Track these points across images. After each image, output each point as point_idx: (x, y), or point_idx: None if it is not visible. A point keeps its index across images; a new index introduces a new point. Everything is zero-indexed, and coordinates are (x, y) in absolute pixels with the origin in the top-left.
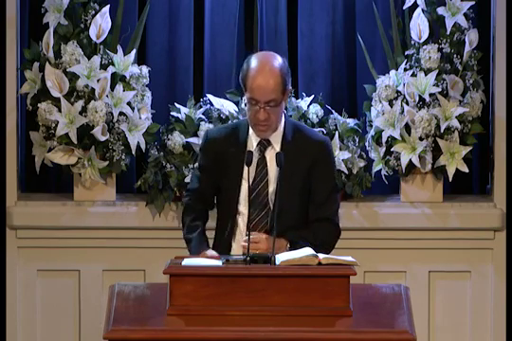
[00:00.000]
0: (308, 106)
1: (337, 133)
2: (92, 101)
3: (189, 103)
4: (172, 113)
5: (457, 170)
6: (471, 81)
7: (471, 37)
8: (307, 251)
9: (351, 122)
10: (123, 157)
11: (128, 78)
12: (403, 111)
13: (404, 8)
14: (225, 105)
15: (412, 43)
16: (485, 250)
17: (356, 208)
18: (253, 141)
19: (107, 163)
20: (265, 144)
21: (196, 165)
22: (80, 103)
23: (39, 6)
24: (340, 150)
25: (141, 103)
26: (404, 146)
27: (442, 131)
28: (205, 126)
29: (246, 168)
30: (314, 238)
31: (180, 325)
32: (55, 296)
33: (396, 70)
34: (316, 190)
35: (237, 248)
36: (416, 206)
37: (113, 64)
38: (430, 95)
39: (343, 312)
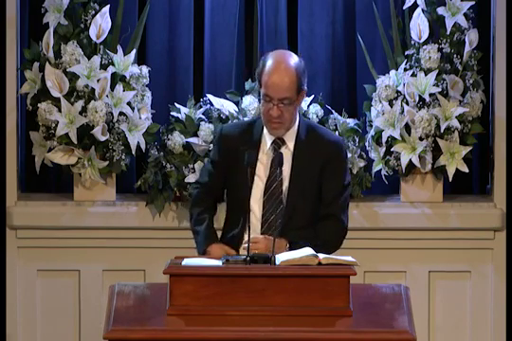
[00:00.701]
0: (308, 106)
1: (337, 133)
2: (92, 101)
3: (189, 103)
4: (172, 113)
5: (457, 170)
6: (471, 81)
7: (471, 37)
8: (307, 251)
9: (351, 122)
10: (123, 157)
11: (128, 78)
12: (403, 111)
13: (404, 8)
14: (225, 105)
15: (412, 43)
16: (485, 250)
17: (356, 208)
18: (267, 140)
19: (107, 163)
20: (279, 143)
21: (208, 159)
22: (80, 103)
23: (39, 6)
24: None
25: (141, 103)
26: (404, 146)
27: (442, 131)
28: (205, 126)
29: (259, 166)
30: (316, 237)
31: (180, 325)
32: (55, 296)
33: (396, 70)
34: (325, 189)
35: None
36: (416, 206)
37: (113, 64)
38: (430, 95)
39: (343, 312)
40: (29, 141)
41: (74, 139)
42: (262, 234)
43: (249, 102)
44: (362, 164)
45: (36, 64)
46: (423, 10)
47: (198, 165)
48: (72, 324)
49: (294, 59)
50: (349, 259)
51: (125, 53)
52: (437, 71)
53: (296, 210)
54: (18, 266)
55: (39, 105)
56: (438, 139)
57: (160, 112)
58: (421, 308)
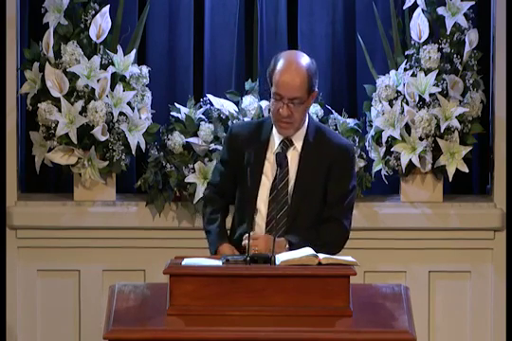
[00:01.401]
0: None
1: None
2: (92, 101)
3: (189, 103)
4: (172, 113)
5: (457, 169)
6: (471, 81)
7: (471, 37)
8: (307, 251)
9: (351, 122)
10: (123, 157)
11: (128, 78)
12: (403, 111)
13: (404, 8)
14: (225, 105)
15: (412, 43)
16: (485, 250)
17: (356, 208)
18: (276, 140)
19: (107, 163)
20: (287, 144)
21: (218, 159)
22: (80, 103)
23: (39, 6)
24: None
25: (141, 103)
26: (404, 146)
27: (442, 131)
28: (205, 126)
29: (267, 166)
30: (317, 239)
31: (180, 325)
32: (55, 296)
33: (396, 70)
34: (330, 192)
35: None
36: (416, 206)
37: (113, 64)
38: (430, 95)
39: (343, 312)
40: (29, 141)
41: (74, 139)
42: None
43: (249, 102)
44: (362, 164)
45: (36, 64)
46: (423, 10)
47: (198, 165)
48: (72, 324)
49: (306, 59)
50: (349, 259)
51: (125, 53)
52: (437, 71)
53: (300, 211)
54: (18, 266)
55: (39, 105)
56: (438, 139)
57: (160, 112)
58: (421, 308)
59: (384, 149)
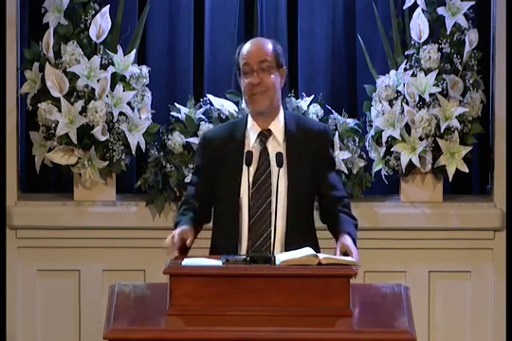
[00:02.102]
0: (308, 106)
1: (337, 133)
2: (92, 101)
3: (189, 103)
4: (172, 113)
5: (457, 169)
6: (471, 81)
7: (471, 37)
8: (307, 251)
9: (351, 122)
10: (123, 157)
11: (128, 78)
12: (403, 111)
13: (404, 8)
14: (225, 105)
15: (412, 43)
16: (485, 250)
17: (356, 208)
18: (252, 136)
19: (107, 163)
20: (265, 134)
21: (192, 174)
22: (80, 103)
23: (39, 6)
24: (340, 150)
25: (141, 103)
26: (404, 146)
27: (442, 131)
28: (205, 126)
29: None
30: (354, 219)
31: (180, 325)
32: (55, 296)
33: (396, 70)
34: (327, 175)
35: (245, 246)
36: (416, 206)
37: (113, 64)
38: (430, 95)
39: (343, 312)
40: (29, 141)
41: (74, 139)
42: (250, 223)
43: None
44: (362, 164)
45: (36, 64)
46: (423, 10)
47: None
48: (72, 324)
49: (270, 40)
50: (349, 259)
51: (125, 53)
52: (437, 71)
53: (290, 204)
54: (18, 266)
55: (39, 105)
56: (438, 139)
57: (160, 112)
58: (421, 308)
59: (384, 149)
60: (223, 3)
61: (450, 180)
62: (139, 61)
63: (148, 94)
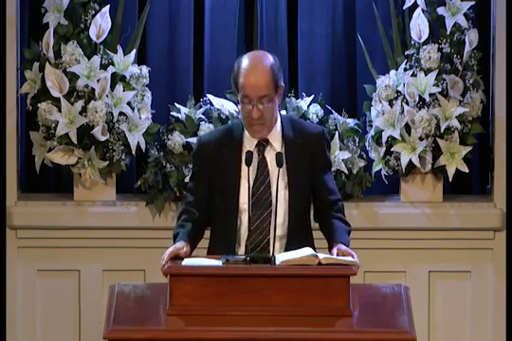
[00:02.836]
0: (308, 106)
1: (337, 133)
2: (92, 101)
3: (189, 103)
4: (172, 113)
5: (457, 169)
6: (471, 81)
7: (471, 37)
8: (307, 251)
9: (351, 122)
10: (123, 157)
11: (128, 78)
12: (403, 111)
13: (404, 8)
14: (225, 105)
15: (412, 43)
16: (485, 250)
17: (356, 208)
18: (251, 142)
19: (107, 163)
20: (263, 144)
21: (189, 181)
22: (80, 103)
23: (39, 6)
24: (340, 150)
25: (141, 103)
26: (404, 146)
27: (442, 131)
28: (205, 126)
29: (245, 167)
30: (347, 224)
31: (180, 325)
32: (55, 296)
33: (396, 70)
34: (324, 178)
35: (244, 248)
36: (416, 206)
37: (113, 64)
38: (430, 95)
39: (343, 312)
40: (29, 141)
41: (74, 139)
42: (250, 229)
43: None
44: (362, 164)
45: (36, 64)
46: (423, 10)
47: None
48: (72, 324)
49: (268, 58)
50: (349, 259)
51: (125, 53)
52: (437, 71)
53: (289, 209)
54: (18, 266)
55: (39, 105)
56: (438, 139)
57: (160, 112)
58: (421, 308)
59: (384, 149)
60: (223, 3)
61: (450, 180)
62: (139, 61)
63: (148, 94)
